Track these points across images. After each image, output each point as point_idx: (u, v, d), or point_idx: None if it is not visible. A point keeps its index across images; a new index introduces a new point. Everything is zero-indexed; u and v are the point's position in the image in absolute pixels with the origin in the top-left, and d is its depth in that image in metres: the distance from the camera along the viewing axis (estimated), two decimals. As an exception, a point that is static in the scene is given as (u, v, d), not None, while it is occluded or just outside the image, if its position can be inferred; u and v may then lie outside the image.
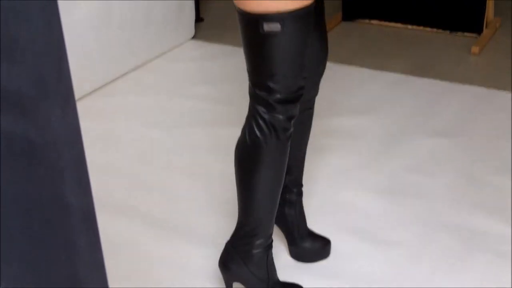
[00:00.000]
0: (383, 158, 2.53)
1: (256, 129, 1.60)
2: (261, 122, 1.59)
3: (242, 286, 1.79)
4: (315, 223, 2.13)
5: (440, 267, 1.99)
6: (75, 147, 0.70)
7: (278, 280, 1.79)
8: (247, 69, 1.59)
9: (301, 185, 1.96)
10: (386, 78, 3.11)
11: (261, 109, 1.59)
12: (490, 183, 2.36)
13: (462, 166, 2.46)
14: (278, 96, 1.56)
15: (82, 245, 0.75)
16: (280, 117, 1.58)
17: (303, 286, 1.90)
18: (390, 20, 3.61)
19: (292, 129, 1.63)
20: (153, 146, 2.63)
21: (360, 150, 2.58)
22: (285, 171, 1.67)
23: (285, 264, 2.00)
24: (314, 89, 1.82)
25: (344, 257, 2.04)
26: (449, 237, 2.11)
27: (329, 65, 1.93)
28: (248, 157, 1.64)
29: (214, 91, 2.89)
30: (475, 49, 3.33)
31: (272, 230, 1.73)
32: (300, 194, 1.96)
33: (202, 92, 2.90)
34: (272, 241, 1.75)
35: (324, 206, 2.25)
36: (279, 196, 1.69)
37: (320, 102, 1.95)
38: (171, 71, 3.22)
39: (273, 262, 1.77)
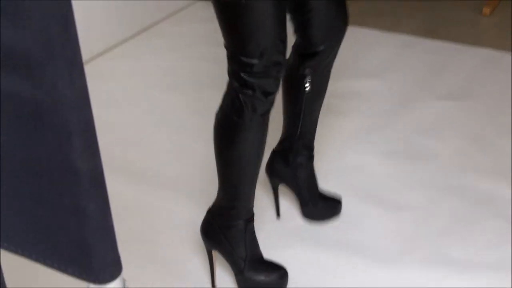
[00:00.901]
0: (392, 121, 2.51)
1: (231, 106, 1.57)
2: (236, 98, 1.55)
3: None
4: (324, 186, 2.13)
5: (447, 230, 1.99)
6: (83, 110, 0.68)
7: (259, 256, 1.76)
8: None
9: (312, 149, 1.95)
10: (396, 40, 3.08)
11: (236, 85, 1.54)
12: (498, 146, 2.34)
13: (470, 129, 2.45)
14: (250, 70, 1.51)
15: (91, 210, 0.75)
16: (255, 93, 1.53)
17: (310, 250, 1.90)
18: (400, -19, 3.55)
19: (270, 107, 1.58)
20: (162, 108, 2.62)
21: (369, 113, 2.56)
22: (263, 147, 1.63)
23: (295, 228, 2.00)
24: (330, 54, 1.79)
25: (352, 219, 2.03)
26: (457, 200, 2.10)
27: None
28: (224, 133, 1.61)
29: (223, 53, 2.86)
30: (486, 10, 3.28)
31: (252, 204, 1.70)
32: (311, 157, 1.95)
33: (211, 53, 2.87)
34: (252, 215, 1.72)
35: (333, 169, 2.24)
36: (258, 171, 1.65)
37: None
38: (179, 32, 3.19)
39: (254, 237, 1.73)
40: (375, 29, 3.16)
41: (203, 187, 2.16)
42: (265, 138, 1.62)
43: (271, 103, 1.57)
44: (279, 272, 1.76)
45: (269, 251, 1.89)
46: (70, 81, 0.66)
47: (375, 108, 2.59)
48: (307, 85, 1.82)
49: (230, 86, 1.57)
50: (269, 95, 1.55)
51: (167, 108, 2.63)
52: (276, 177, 1.99)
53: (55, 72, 0.65)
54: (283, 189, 2.09)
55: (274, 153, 1.98)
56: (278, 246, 1.93)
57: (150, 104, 2.65)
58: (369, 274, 1.83)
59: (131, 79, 2.84)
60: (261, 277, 1.73)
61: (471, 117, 2.51)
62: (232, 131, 1.59)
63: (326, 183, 2.15)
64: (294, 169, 1.94)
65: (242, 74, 1.52)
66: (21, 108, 0.67)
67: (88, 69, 2.86)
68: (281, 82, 1.88)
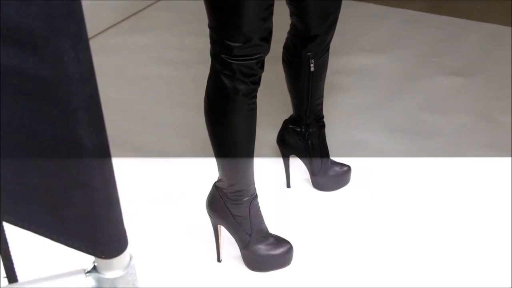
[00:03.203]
0: (396, 97, 2.50)
1: (214, 87, 1.57)
2: (218, 79, 1.55)
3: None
4: (329, 161, 2.14)
5: (456, 212, 1.99)
6: (89, 86, 0.68)
7: (265, 231, 1.76)
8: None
9: (322, 117, 1.97)
10: (401, 15, 3.06)
11: (217, 66, 1.54)
12: (505, 123, 2.33)
13: (477, 105, 2.44)
14: (230, 53, 1.49)
15: (97, 184, 0.74)
16: (235, 74, 1.52)
17: (318, 224, 1.91)
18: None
19: (255, 87, 1.57)
20: (168, 83, 2.61)
21: (374, 89, 2.55)
22: (253, 127, 1.62)
23: (307, 197, 2.01)
24: (330, 33, 1.79)
25: (358, 194, 2.03)
26: (462, 177, 2.10)
27: (344, 3, 1.89)
28: (212, 116, 1.61)
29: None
30: (492, -15, 3.25)
31: (252, 182, 1.70)
32: (322, 126, 1.97)
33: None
34: (255, 191, 1.72)
35: (339, 146, 2.23)
36: (251, 151, 1.65)
37: (335, 40, 1.92)
38: (186, 6, 3.17)
39: (259, 213, 1.74)
40: (380, 4, 3.13)
41: (207, 161, 2.16)
42: (253, 118, 1.61)
43: (255, 84, 1.56)
44: (285, 247, 1.76)
45: (276, 224, 1.89)
46: (75, 56, 0.65)
47: (379, 84, 2.58)
48: (312, 65, 1.84)
49: (212, 68, 1.56)
50: (250, 77, 1.54)
51: (174, 83, 2.62)
52: (287, 147, 2.00)
53: (60, 47, 0.64)
54: (294, 160, 2.09)
55: (286, 123, 1.99)
56: (285, 219, 1.94)
57: (156, 80, 2.65)
58: (378, 250, 1.83)
59: (137, 54, 2.83)
60: (266, 252, 1.74)
61: (477, 93, 2.50)
62: (219, 113, 1.59)
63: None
64: (306, 138, 1.96)
65: (223, 56, 1.51)
66: (25, 84, 0.67)
67: (93, 44, 2.85)
68: (284, 65, 1.90)
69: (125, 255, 0.80)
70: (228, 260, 1.82)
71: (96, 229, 0.76)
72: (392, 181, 2.09)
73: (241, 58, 1.50)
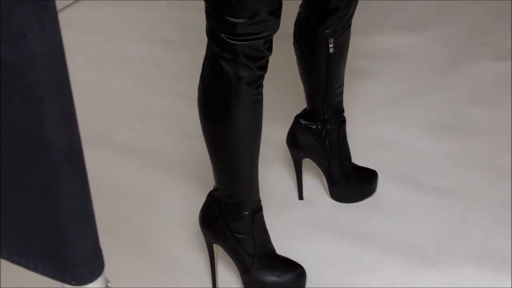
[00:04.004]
0: (433, 85, 2.50)
1: (211, 74, 1.57)
2: (216, 64, 1.54)
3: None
4: (351, 165, 2.14)
5: (502, 220, 1.99)
6: (57, 70, 0.68)
7: (271, 252, 1.76)
8: None
9: (342, 111, 1.97)
10: (440, -14, 3.06)
11: (215, 48, 1.53)
12: None
13: (533, 96, 2.44)
14: (232, 31, 1.49)
15: (66, 191, 0.74)
16: (238, 58, 1.52)
17: (335, 244, 1.90)
18: None
19: (261, 74, 1.56)
20: (149, 67, 2.62)
21: (404, 75, 2.55)
22: (259, 124, 1.62)
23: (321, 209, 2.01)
24: (352, 5, 1.80)
25: (385, 207, 2.03)
26: (515, 184, 2.10)
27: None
28: (207, 108, 1.60)
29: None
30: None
31: (256, 191, 1.70)
32: (342, 122, 1.98)
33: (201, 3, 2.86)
34: (259, 204, 1.72)
35: (361, 145, 2.23)
36: (256, 152, 1.65)
37: (358, 15, 1.92)
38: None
39: (263, 229, 1.74)
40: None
41: (202, 164, 2.16)
42: (259, 113, 1.61)
43: (261, 69, 1.56)
44: (295, 271, 1.76)
45: (285, 244, 1.89)
46: (41, 32, 0.65)
47: (412, 70, 2.58)
48: (331, 45, 1.84)
49: (209, 50, 1.56)
50: (256, 61, 1.54)
51: (156, 67, 2.62)
52: (299, 149, 2.00)
53: (23, 22, 0.64)
54: (307, 165, 2.09)
55: (298, 119, 1.99)
56: (296, 238, 1.94)
57: (140, 63, 2.65)
58: (403, 275, 1.83)
59: (117, 31, 2.83)
60: (272, 278, 1.74)
61: (533, 82, 2.50)
62: (217, 106, 1.58)
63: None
64: (323, 137, 1.96)
65: (222, 35, 1.50)
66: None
67: (63, 19, 2.85)
68: (296, 46, 1.90)
69: (100, 281, 0.80)
70: (226, 286, 1.81)
71: (65, 248, 0.76)
72: (428, 189, 2.08)
73: (246, 38, 1.50)
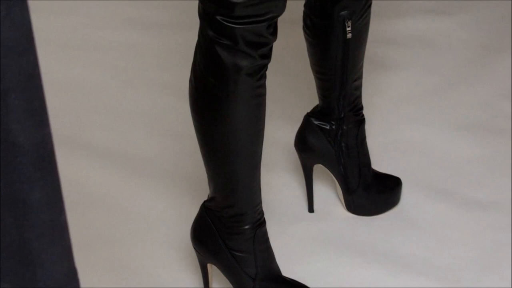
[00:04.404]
0: (468, 79, 2.50)
1: (205, 63, 1.57)
2: (211, 51, 1.55)
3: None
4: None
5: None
6: (26, 59, 0.68)
7: (275, 274, 1.75)
8: None
9: (361, 109, 1.98)
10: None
11: (210, 32, 1.54)
12: None
13: None
14: (230, 13, 1.49)
15: (36, 201, 0.75)
16: (237, 45, 1.52)
17: (350, 264, 1.91)
18: None
19: (264, 63, 1.56)
20: (131, 55, 2.62)
21: (434, 66, 2.55)
22: (261, 122, 1.63)
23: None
24: None
25: (410, 220, 2.03)
26: None
27: None
28: (201, 104, 1.61)
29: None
30: None
31: (259, 202, 1.70)
32: (362, 121, 1.98)
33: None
34: (262, 216, 1.72)
35: (383, 148, 2.24)
36: (258, 156, 1.66)
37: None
38: None
39: (267, 247, 1.74)
40: None
41: (194, 170, 2.16)
42: (261, 109, 1.62)
43: (264, 58, 1.57)
44: None
45: (292, 264, 1.90)
46: (6, 15, 0.66)
47: (443, 60, 2.58)
48: (348, 29, 1.84)
49: (202, 35, 1.57)
50: (259, 48, 1.55)
51: (147, 55, 2.62)
52: (310, 154, 2.00)
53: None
54: (319, 171, 2.09)
55: (308, 118, 1.99)
56: (305, 257, 1.94)
57: (122, 50, 2.65)
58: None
59: (94, 14, 2.83)
60: None
61: None
62: (211, 101, 1.59)
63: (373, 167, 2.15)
64: (338, 139, 1.97)
65: (219, 17, 1.51)
66: None
67: (32, 1, 2.86)
68: (306, 31, 1.90)
69: (75, 306, 0.80)
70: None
71: (34, 268, 0.76)
72: (462, 201, 2.08)
73: (246, 20, 1.51)
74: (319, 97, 1.97)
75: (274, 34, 1.56)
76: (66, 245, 0.78)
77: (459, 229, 2.01)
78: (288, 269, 1.85)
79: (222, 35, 1.52)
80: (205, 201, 1.74)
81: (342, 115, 1.95)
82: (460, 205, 2.08)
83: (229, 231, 1.70)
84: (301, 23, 1.91)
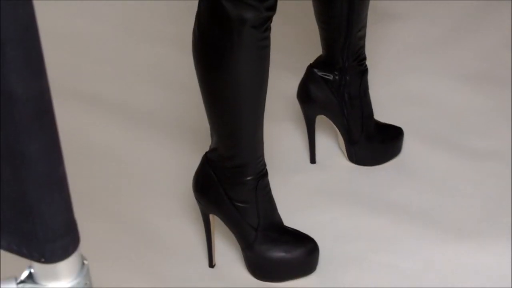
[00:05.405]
0: (472, 28, 2.49)
1: (209, 14, 1.56)
2: (214, 5, 1.54)
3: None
4: (372, 122, 2.13)
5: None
6: (22, 9, 0.68)
7: (277, 224, 1.77)
8: None
9: (364, 59, 1.97)
10: None
11: None
12: None
13: None
14: None
15: (34, 152, 0.74)
16: None
17: (354, 213, 1.91)
18: None
19: (269, 15, 1.55)
20: (136, 7, 2.60)
21: (438, 16, 2.54)
22: (265, 73, 1.62)
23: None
24: None
25: (414, 170, 2.03)
26: None
27: None
28: (205, 55, 1.60)
29: None
30: None
31: (261, 153, 1.71)
32: (363, 72, 1.97)
33: None
34: (264, 168, 1.72)
35: (385, 99, 2.23)
36: (261, 107, 1.66)
37: None
38: None
39: (269, 197, 1.74)
40: None
41: (196, 121, 2.16)
42: (266, 61, 1.61)
43: (270, 9, 1.56)
44: (306, 246, 1.77)
45: (294, 215, 1.90)
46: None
47: (447, 9, 2.56)
48: None
49: None
50: (265, 1, 1.54)
51: (141, 5, 2.61)
52: (312, 104, 2.00)
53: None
54: (321, 122, 2.08)
55: (311, 68, 1.99)
56: (307, 208, 1.95)
57: (115, 3, 2.63)
58: (431, 252, 1.84)
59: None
60: (279, 253, 1.75)
61: None
62: (215, 52, 1.58)
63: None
64: (341, 89, 1.96)
65: None
66: None
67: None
68: None
69: (75, 258, 0.80)
70: (225, 265, 1.83)
71: (33, 219, 0.76)
72: (464, 151, 2.08)
73: None
74: (323, 48, 1.97)
75: None
76: (65, 197, 0.78)
77: (460, 178, 2.02)
78: (290, 220, 1.85)
79: None
80: (207, 152, 1.74)
81: (345, 66, 1.95)
82: (461, 154, 2.08)
83: (231, 182, 1.71)
84: None
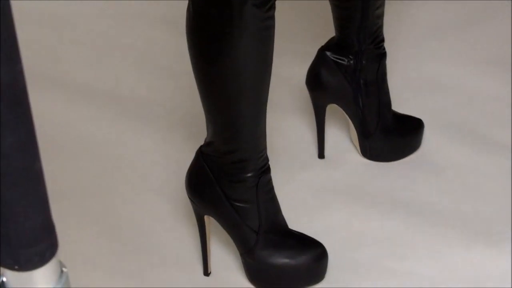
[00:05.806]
0: (500, 9, 2.49)
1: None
2: None
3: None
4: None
5: None
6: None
7: (281, 227, 1.77)
8: None
9: (382, 41, 1.98)
10: None
11: None
12: None
13: None
14: None
15: (7, 147, 0.75)
16: None
17: (366, 215, 1.91)
18: None
19: None
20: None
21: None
22: (268, 58, 1.63)
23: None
24: None
25: (433, 167, 2.03)
26: None
27: None
28: (201, 38, 1.60)
29: None
30: None
31: (263, 146, 1.71)
32: (381, 55, 1.98)
33: None
34: (266, 163, 1.73)
35: (404, 87, 2.23)
36: (264, 95, 1.66)
37: None
38: None
39: (271, 197, 1.75)
40: None
41: (190, 111, 2.16)
42: (270, 43, 1.61)
43: None
44: (314, 252, 1.77)
45: (300, 216, 1.90)
46: None
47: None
48: None
49: None
50: None
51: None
52: (323, 92, 2.01)
53: None
54: (332, 112, 2.09)
55: (322, 51, 1.99)
56: (315, 208, 1.96)
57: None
58: (454, 257, 1.84)
59: None
60: (283, 259, 1.76)
61: None
62: (213, 34, 1.58)
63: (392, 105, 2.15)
64: (356, 76, 1.97)
65: None
66: None
67: None
68: None
69: (52, 265, 0.80)
70: (222, 272, 1.83)
71: (6, 221, 0.77)
72: (491, 145, 2.09)
73: None
74: (336, 28, 1.96)
75: None
76: (41, 196, 0.78)
77: (484, 175, 2.02)
78: (295, 222, 1.86)
79: None
80: (201, 146, 1.74)
81: (361, 48, 1.95)
82: (489, 149, 2.09)
83: (229, 179, 1.71)
84: None
